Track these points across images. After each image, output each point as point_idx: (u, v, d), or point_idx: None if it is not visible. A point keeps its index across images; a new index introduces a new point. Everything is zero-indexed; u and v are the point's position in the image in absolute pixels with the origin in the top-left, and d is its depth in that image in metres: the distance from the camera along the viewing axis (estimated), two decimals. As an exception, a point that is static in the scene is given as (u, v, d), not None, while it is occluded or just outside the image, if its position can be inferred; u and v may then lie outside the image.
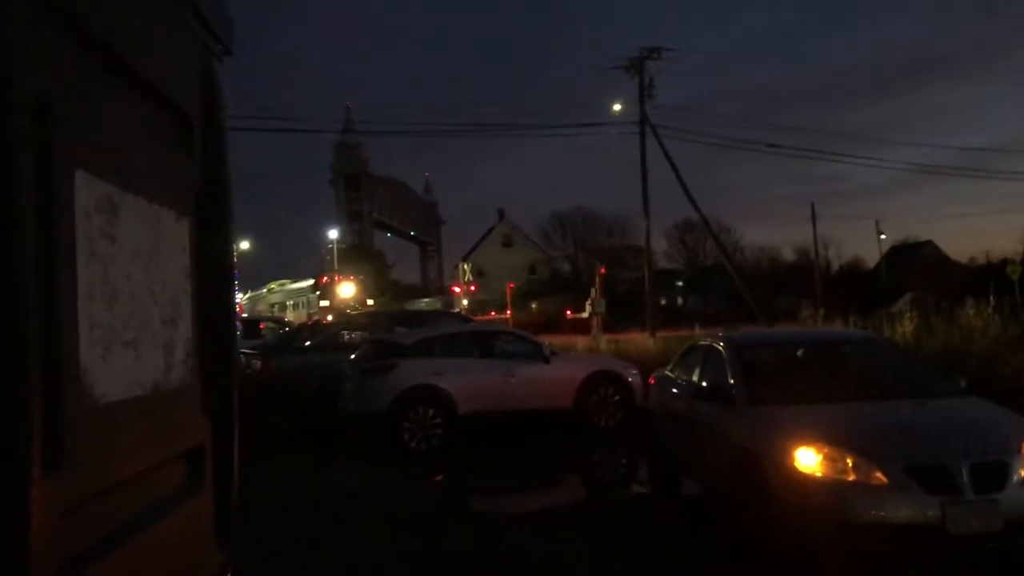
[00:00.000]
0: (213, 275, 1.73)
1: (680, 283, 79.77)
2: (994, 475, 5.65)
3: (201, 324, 1.67)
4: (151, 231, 1.43)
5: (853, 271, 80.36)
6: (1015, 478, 5.66)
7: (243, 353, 18.54)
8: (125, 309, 1.32)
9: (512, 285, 57.08)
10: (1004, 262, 59.81)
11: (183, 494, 1.58)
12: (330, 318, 34.92)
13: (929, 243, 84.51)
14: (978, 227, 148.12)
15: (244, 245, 73.52)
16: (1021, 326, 12.55)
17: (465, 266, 49.43)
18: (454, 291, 47.32)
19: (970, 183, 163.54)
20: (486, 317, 49.23)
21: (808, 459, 5.88)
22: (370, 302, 63.01)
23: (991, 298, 12.95)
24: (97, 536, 1.22)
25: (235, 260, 1.83)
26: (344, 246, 79.45)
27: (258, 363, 17.05)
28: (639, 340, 27.24)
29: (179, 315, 1.55)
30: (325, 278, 62.51)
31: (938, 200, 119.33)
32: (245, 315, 59.93)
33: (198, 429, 1.66)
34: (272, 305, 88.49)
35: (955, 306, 13.96)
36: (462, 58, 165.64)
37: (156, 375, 1.42)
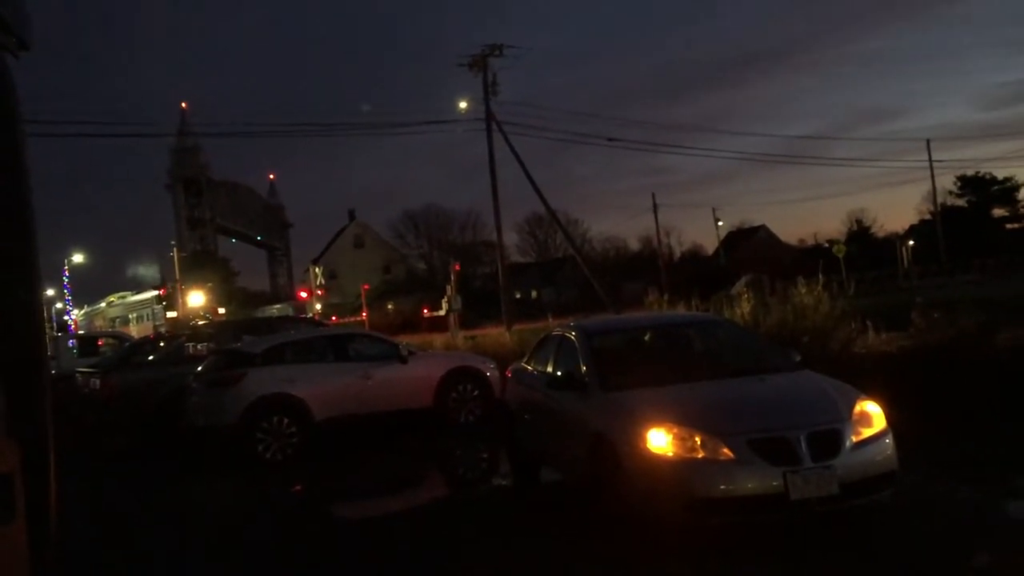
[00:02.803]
0: (13, 286, 1.57)
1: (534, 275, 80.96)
2: (829, 443, 5.99)
3: (1, 341, 1.52)
4: None
5: (694, 257, 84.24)
6: (847, 444, 6.03)
7: (80, 372, 17.49)
8: None
9: (367, 286, 56.32)
10: (831, 243, 64.16)
11: None
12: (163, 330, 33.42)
13: (762, 227, 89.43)
14: (806, 211, 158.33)
15: (77, 258, 69.36)
16: (848, 302, 13.38)
17: (316, 269, 48.25)
18: (301, 296, 46.19)
19: (798, 169, 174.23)
20: (344, 320, 48.41)
21: (659, 440, 6.06)
22: (221, 310, 60.71)
23: (820, 277, 13.74)
24: None
25: (38, 271, 1.67)
26: (186, 254, 76.18)
27: (97, 381, 16.12)
28: (496, 334, 27.46)
29: (-28, 331, 1.40)
30: (166, 288, 59.73)
31: (769, 186, 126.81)
32: (81, 332, 56.60)
33: (3, 455, 1.51)
34: (112, 319, 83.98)
35: (788, 286, 14.77)
36: (306, 57, 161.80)
37: None
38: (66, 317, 75.85)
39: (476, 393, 13.46)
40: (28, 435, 1.60)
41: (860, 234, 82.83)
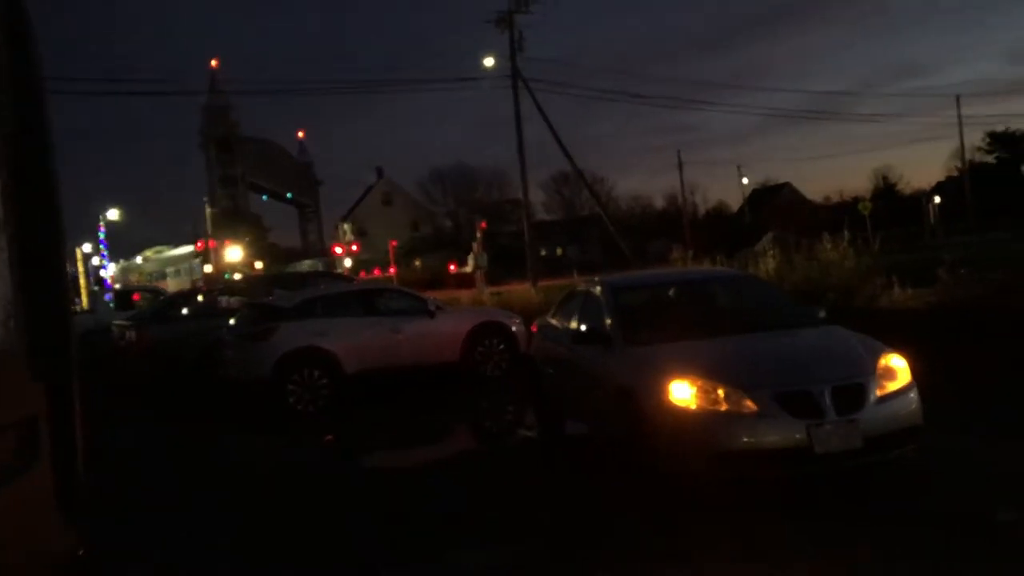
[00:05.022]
0: (36, 231, 1.58)
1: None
2: (853, 396, 5.98)
3: (25, 286, 1.54)
4: None
5: (719, 214, 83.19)
6: (871, 398, 6.02)
7: (117, 325, 17.82)
8: None
9: (395, 243, 56.51)
10: (856, 199, 63.03)
11: (12, 468, 1.47)
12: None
13: (787, 185, 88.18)
14: (832, 168, 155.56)
15: (113, 215, 70.05)
16: (873, 258, 13.25)
17: (345, 226, 48.59)
18: (335, 252, 46.49)
19: (824, 126, 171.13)
20: (371, 276, 48.74)
21: (682, 392, 6.09)
22: (259, 265, 61.17)
23: (846, 233, 13.60)
24: None
25: (61, 222, 1.68)
26: (218, 211, 76.58)
27: (133, 334, 16.43)
28: (522, 291, 27.55)
29: (-8, 275, 1.42)
30: (201, 244, 60.22)
31: (795, 143, 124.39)
32: (117, 286, 57.41)
33: (27, 398, 1.54)
34: (149, 274, 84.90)
35: (813, 243, 14.63)
36: (336, 14, 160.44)
37: None
38: (102, 272, 76.81)
39: (502, 347, 13.56)
40: (53, 380, 1.63)
41: (886, 191, 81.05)
